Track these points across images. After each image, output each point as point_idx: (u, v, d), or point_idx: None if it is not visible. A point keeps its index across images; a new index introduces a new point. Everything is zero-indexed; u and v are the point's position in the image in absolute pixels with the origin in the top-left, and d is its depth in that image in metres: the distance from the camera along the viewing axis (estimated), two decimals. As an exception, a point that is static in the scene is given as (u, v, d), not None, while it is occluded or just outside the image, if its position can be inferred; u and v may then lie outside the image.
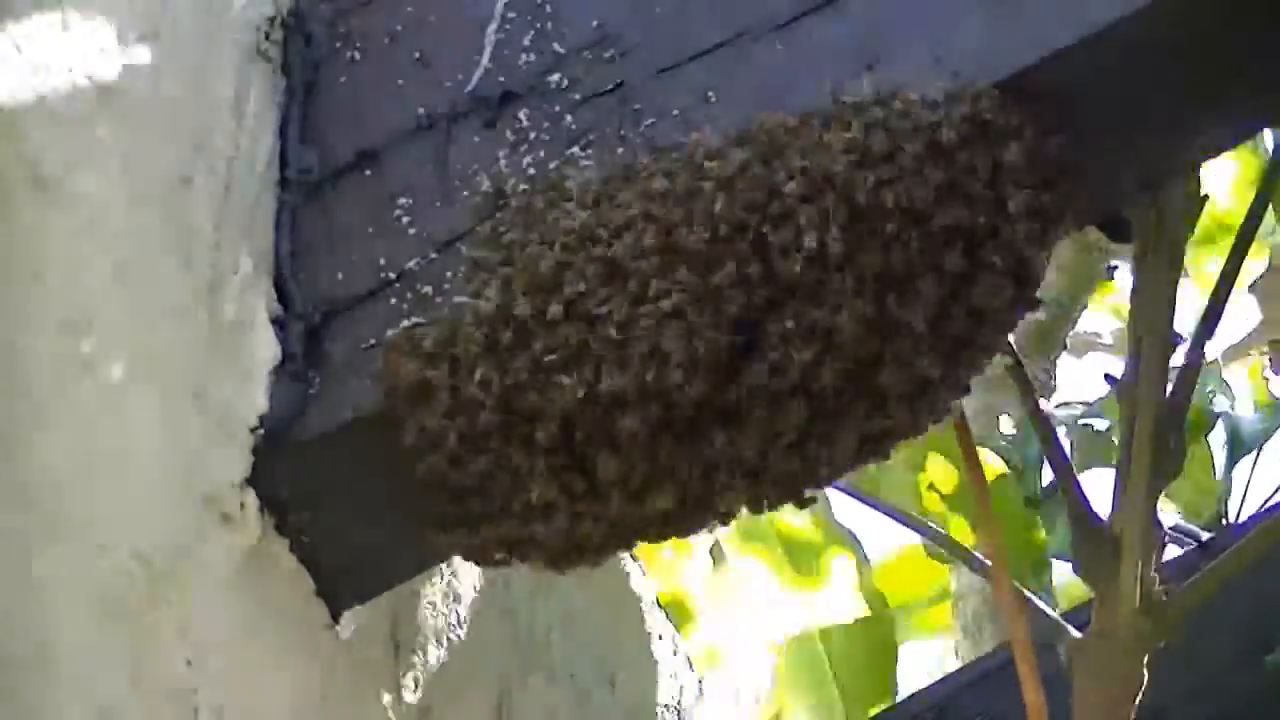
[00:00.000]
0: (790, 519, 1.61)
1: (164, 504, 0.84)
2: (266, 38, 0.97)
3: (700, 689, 1.38)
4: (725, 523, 0.87)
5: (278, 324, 0.91)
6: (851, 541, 1.63)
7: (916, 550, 1.87)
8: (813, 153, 0.81)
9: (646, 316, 0.81)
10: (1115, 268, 2.31)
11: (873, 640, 1.62)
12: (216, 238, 0.90)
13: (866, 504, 1.34)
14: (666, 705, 1.31)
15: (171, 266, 0.87)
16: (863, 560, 1.63)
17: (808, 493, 0.86)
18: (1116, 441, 1.27)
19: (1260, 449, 2.00)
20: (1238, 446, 2.00)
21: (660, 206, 0.82)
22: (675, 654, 1.34)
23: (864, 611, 1.62)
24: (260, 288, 0.91)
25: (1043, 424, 1.26)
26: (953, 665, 1.99)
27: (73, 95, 0.84)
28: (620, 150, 0.87)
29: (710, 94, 0.87)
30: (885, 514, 1.32)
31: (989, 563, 1.21)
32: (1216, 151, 0.91)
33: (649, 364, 0.81)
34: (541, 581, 1.11)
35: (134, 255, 0.85)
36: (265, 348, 0.90)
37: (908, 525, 1.34)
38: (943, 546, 1.35)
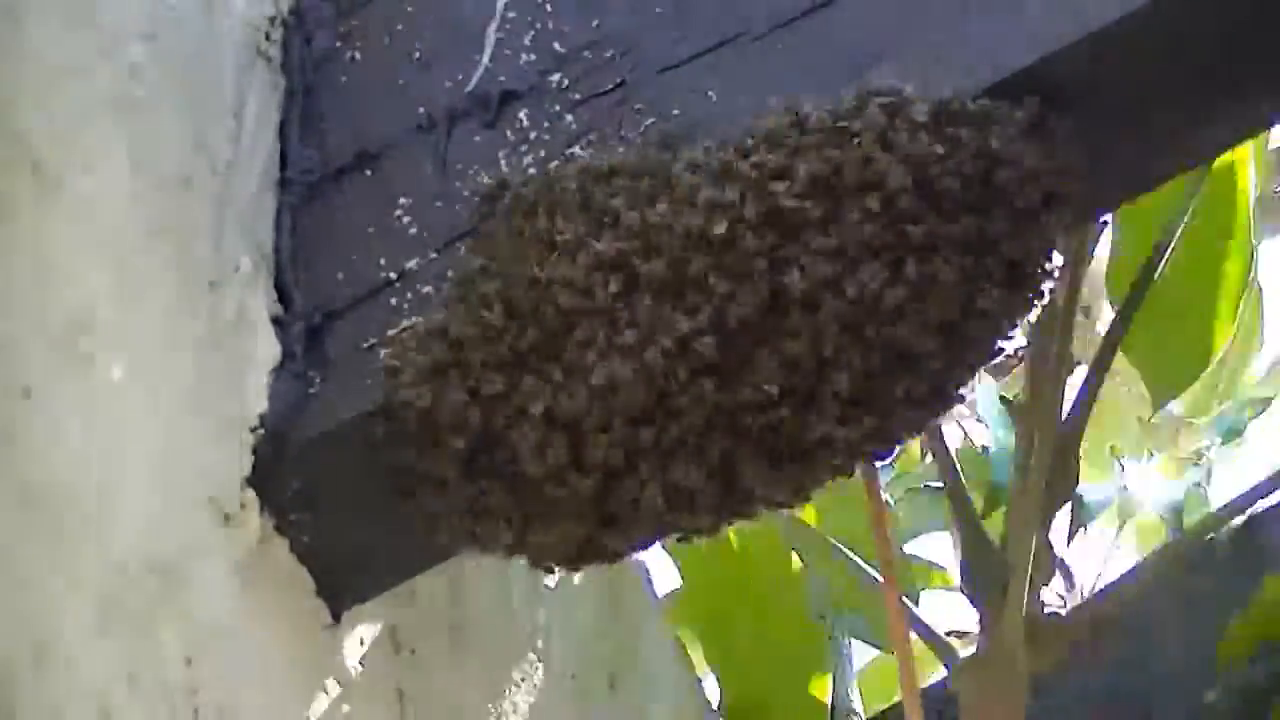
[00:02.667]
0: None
1: (164, 504, 0.84)
2: (266, 38, 0.97)
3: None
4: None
5: (278, 324, 0.91)
6: None
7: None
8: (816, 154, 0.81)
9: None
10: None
11: None
12: (216, 238, 0.90)
13: None
14: (666, 706, 1.31)
15: (171, 266, 0.87)
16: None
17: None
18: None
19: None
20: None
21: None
22: (676, 655, 1.34)
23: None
24: (260, 288, 0.91)
25: (937, 443, 1.25)
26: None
27: (73, 95, 0.84)
28: (620, 151, 0.87)
29: (710, 94, 0.87)
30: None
31: (881, 579, 1.20)
32: (1216, 152, 0.91)
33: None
34: (541, 581, 1.11)
35: (134, 255, 0.85)
36: (265, 348, 0.90)
37: (796, 536, 1.32)
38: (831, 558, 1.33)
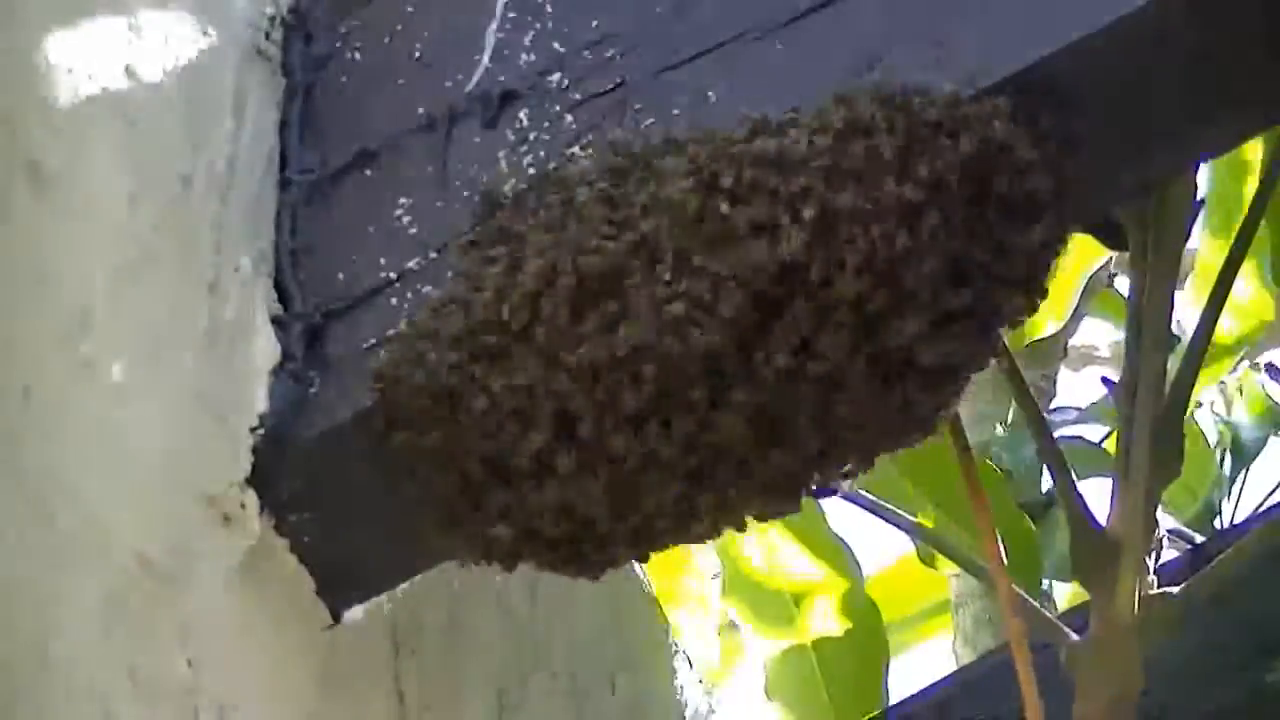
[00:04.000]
0: (769, 557, 1.60)
1: (164, 504, 0.84)
2: (266, 37, 0.97)
3: (711, 705, 1.38)
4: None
5: (278, 324, 0.91)
6: (845, 553, 1.62)
7: (913, 560, 1.87)
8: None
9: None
10: (1115, 275, 2.30)
11: (864, 651, 1.61)
12: (216, 238, 0.90)
13: (864, 508, 1.34)
14: (667, 706, 1.31)
15: (171, 266, 0.87)
16: (855, 573, 1.62)
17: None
18: (1110, 449, 1.28)
19: (1256, 455, 2.00)
20: (1237, 452, 2.00)
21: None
22: (675, 654, 1.34)
23: (855, 623, 1.62)
24: (260, 288, 0.91)
25: (1040, 428, 1.26)
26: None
27: (73, 95, 0.84)
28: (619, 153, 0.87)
29: (710, 94, 0.87)
30: (881, 518, 1.32)
31: (986, 566, 1.21)
32: (1219, 152, 0.91)
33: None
34: (541, 581, 1.11)
35: (134, 255, 0.85)
36: (265, 348, 0.90)
37: (902, 529, 1.34)
38: (940, 550, 1.34)
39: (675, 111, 0.87)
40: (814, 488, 0.86)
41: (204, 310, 0.88)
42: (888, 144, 0.80)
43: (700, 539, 0.86)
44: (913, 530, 1.34)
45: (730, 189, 0.80)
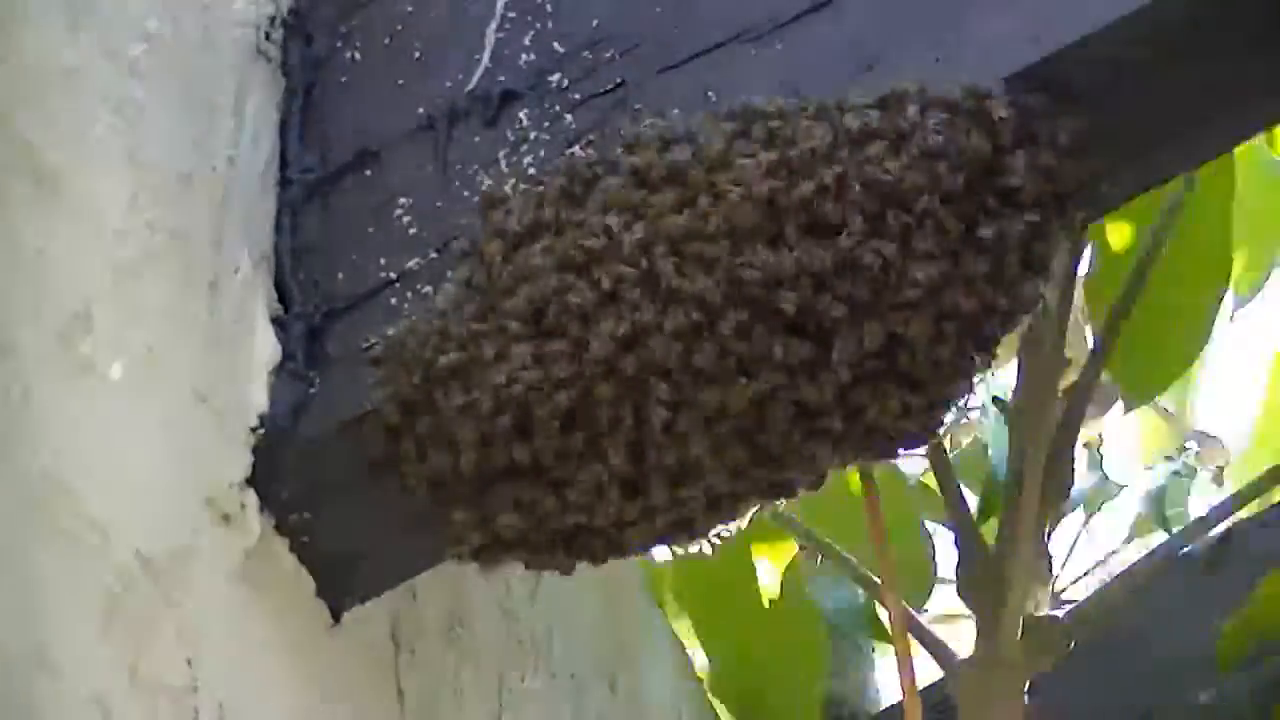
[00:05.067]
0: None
1: (164, 504, 0.84)
2: (266, 37, 0.97)
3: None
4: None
5: (278, 324, 0.91)
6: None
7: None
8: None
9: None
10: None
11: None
12: (216, 237, 0.90)
13: None
14: (667, 706, 1.31)
15: (171, 266, 0.87)
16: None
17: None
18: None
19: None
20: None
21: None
22: (676, 655, 1.34)
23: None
24: (260, 288, 0.91)
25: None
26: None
27: (73, 95, 0.84)
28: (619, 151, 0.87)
29: (710, 94, 0.87)
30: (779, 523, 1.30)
31: (879, 580, 1.20)
32: (1218, 152, 0.91)
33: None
34: (541, 581, 1.11)
35: (134, 255, 0.85)
36: (265, 348, 0.90)
37: (794, 533, 1.32)
38: (830, 558, 1.32)
39: (675, 111, 0.87)
40: None
41: (204, 310, 0.88)
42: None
43: None
44: (804, 535, 1.32)
45: None
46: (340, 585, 0.92)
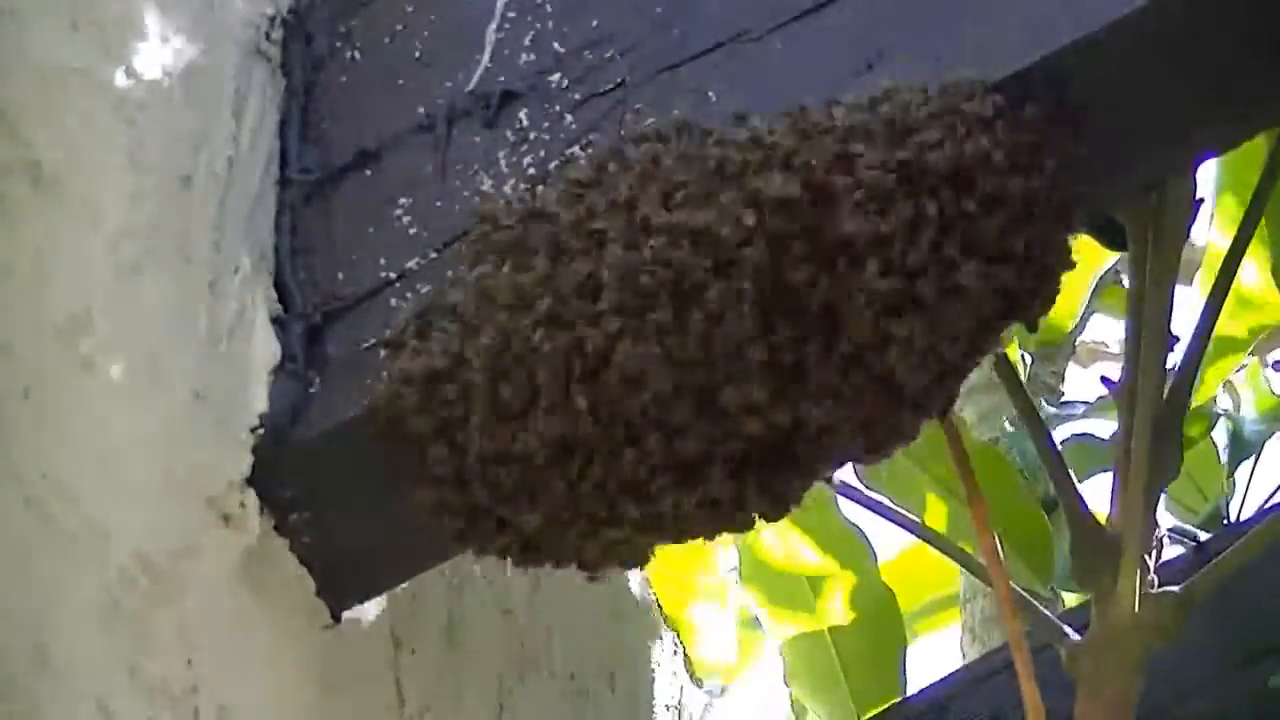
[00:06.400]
0: (783, 546, 1.60)
1: (164, 504, 0.84)
2: (266, 37, 0.97)
3: (712, 699, 1.38)
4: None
5: (278, 324, 0.91)
6: (860, 540, 1.62)
7: (924, 548, 1.87)
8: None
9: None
10: (1122, 273, 2.30)
11: (881, 638, 1.62)
12: (216, 238, 0.90)
13: (867, 506, 1.34)
14: (667, 705, 1.31)
15: (171, 266, 0.87)
16: (870, 558, 1.62)
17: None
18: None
19: (1260, 450, 2.00)
20: (1238, 448, 2.00)
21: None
22: (675, 654, 1.34)
23: (870, 609, 1.62)
24: (260, 288, 0.91)
25: (1034, 426, 1.25)
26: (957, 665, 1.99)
27: (73, 95, 0.84)
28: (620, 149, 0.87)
29: (710, 94, 0.87)
30: (882, 515, 1.32)
31: (985, 563, 1.21)
32: (1217, 151, 0.91)
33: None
34: (541, 581, 1.11)
35: (134, 255, 0.85)
36: (265, 348, 0.90)
37: (903, 527, 1.34)
38: (939, 549, 1.34)
39: (675, 111, 0.87)
40: None
41: (204, 310, 0.88)
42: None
43: None
44: (912, 527, 1.34)
45: None
46: (340, 585, 0.92)
